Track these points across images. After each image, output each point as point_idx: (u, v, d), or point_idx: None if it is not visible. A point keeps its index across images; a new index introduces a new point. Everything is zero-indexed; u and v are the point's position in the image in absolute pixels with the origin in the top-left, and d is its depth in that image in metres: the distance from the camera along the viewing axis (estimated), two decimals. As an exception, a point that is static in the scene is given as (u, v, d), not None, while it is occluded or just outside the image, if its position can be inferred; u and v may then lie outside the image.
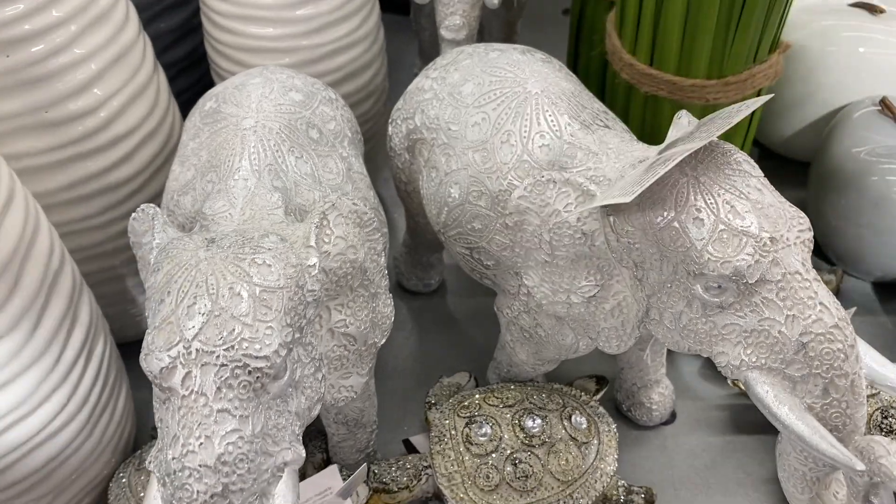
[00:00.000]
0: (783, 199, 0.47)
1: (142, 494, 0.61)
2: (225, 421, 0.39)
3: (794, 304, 0.44)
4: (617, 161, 0.51)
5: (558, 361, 0.64)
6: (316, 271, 0.45)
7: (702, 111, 0.71)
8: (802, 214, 0.46)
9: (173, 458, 0.39)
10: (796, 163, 0.91)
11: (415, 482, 0.63)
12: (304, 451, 0.44)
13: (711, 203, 0.44)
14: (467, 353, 0.78)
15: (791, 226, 0.45)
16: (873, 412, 0.63)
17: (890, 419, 0.62)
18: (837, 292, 0.80)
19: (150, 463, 0.41)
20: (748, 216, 0.44)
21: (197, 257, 0.43)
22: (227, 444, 0.39)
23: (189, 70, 0.85)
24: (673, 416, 0.72)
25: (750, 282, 0.44)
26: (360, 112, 0.79)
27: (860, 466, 0.44)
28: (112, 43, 0.62)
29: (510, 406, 0.64)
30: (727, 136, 0.74)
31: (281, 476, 0.42)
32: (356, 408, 0.61)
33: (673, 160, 0.43)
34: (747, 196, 0.45)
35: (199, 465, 0.39)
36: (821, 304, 0.44)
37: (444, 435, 0.63)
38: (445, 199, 0.60)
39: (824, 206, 0.80)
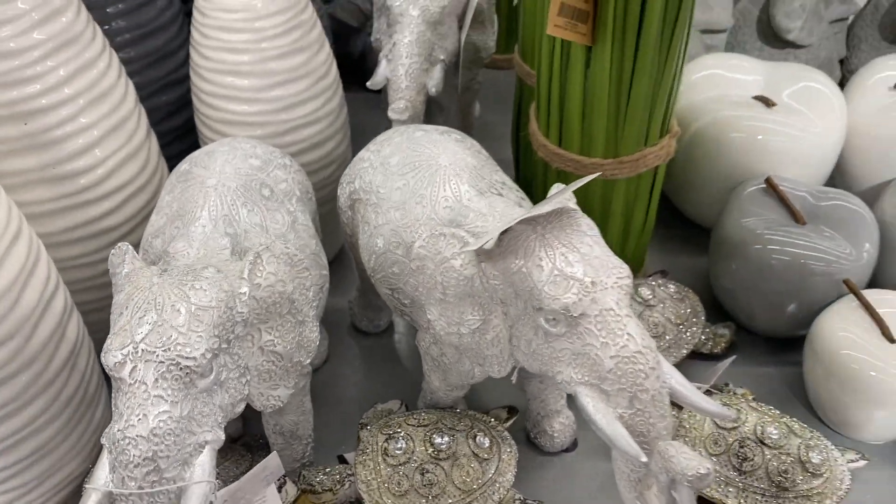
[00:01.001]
0: (610, 254, 0.58)
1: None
2: (159, 404, 0.50)
3: (607, 333, 0.55)
4: (499, 221, 0.63)
5: (465, 387, 0.74)
6: (246, 298, 0.57)
7: (602, 185, 0.83)
8: (623, 265, 0.57)
9: (118, 430, 0.50)
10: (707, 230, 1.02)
11: (338, 486, 0.73)
12: (223, 435, 0.54)
13: (550, 254, 0.55)
14: (406, 386, 0.88)
15: (610, 273, 0.56)
16: (732, 442, 0.73)
17: (745, 449, 0.72)
18: (732, 344, 0.90)
19: (103, 437, 0.52)
20: (577, 265, 0.55)
21: (151, 282, 0.54)
22: (159, 420, 0.50)
23: (184, 137, 0.98)
24: (574, 444, 0.81)
25: (574, 315, 0.54)
26: (322, 177, 0.91)
27: (643, 458, 0.53)
28: (112, 114, 0.75)
29: (425, 426, 0.74)
30: (629, 204, 0.86)
31: (202, 451, 0.53)
32: (291, 420, 0.71)
33: (517, 219, 0.54)
34: (579, 250, 0.56)
35: (136, 436, 0.50)
36: (628, 334, 0.55)
37: (367, 448, 0.73)
38: (373, 248, 0.71)
39: (719, 269, 0.91)
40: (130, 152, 0.77)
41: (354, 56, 1.29)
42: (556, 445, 0.80)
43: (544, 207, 0.56)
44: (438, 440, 0.73)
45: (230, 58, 0.82)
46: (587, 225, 0.58)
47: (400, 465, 0.72)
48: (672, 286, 0.89)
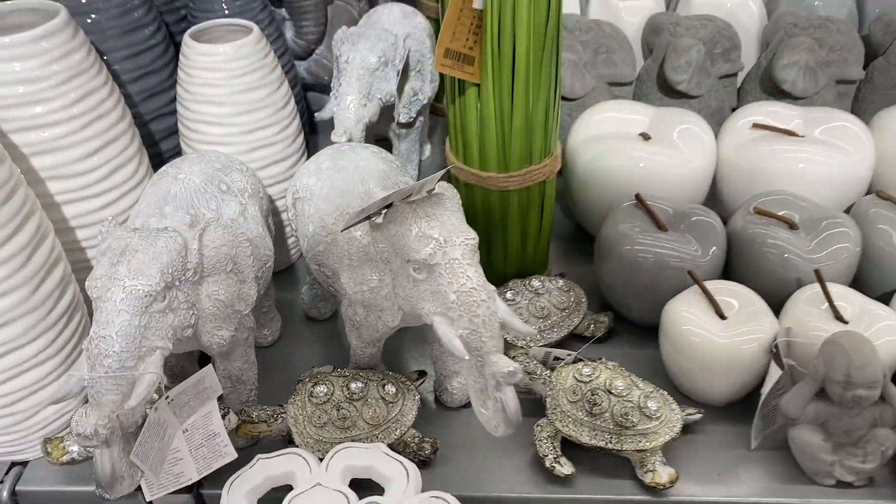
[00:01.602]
0: (463, 222, 0.76)
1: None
2: (122, 315, 0.69)
3: (453, 276, 0.73)
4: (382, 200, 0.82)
5: (377, 343, 0.92)
6: (195, 252, 0.75)
7: (499, 195, 1.02)
8: (470, 230, 0.75)
9: (93, 332, 0.68)
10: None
11: (272, 420, 0.90)
12: (171, 345, 0.73)
13: (417, 221, 0.74)
14: (343, 360, 1.05)
15: (459, 234, 0.74)
16: (586, 391, 0.89)
17: (595, 396, 0.88)
18: (611, 330, 1.08)
19: (83, 342, 0.71)
20: (435, 228, 0.74)
21: (127, 237, 0.73)
22: (121, 325, 0.68)
23: (174, 157, 1.19)
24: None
25: (430, 263, 0.73)
26: (281, 188, 1.10)
27: (466, 356, 0.71)
28: (110, 130, 0.94)
29: (345, 377, 0.92)
30: (523, 212, 1.04)
31: (153, 354, 0.71)
32: (237, 367, 0.89)
33: (382, 198, 0.74)
34: (438, 218, 0.74)
35: (105, 335, 0.68)
36: (467, 276, 0.73)
37: (298, 393, 0.91)
38: (306, 233, 0.91)
39: (601, 268, 1.09)
40: (123, 161, 0.97)
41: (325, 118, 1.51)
42: (455, 401, 0.97)
43: (407, 188, 0.76)
44: (353, 385, 0.90)
45: (207, 91, 1.03)
46: (450, 202, 0.77)
47: (321, 404, 0.89)
48: (561, 281, 1.07)
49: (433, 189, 0.78)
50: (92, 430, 0.66)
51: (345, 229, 0.78)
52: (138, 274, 0.70)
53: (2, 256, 0.78)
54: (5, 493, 0.90)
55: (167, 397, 0.75)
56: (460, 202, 0.80)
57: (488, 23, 0.87)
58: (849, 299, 0.95)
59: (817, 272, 0.94)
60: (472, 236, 0.75)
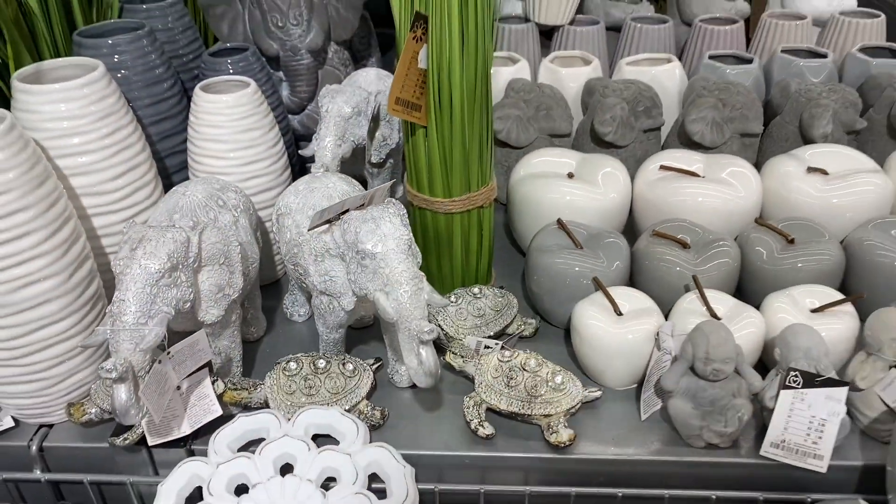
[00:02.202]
0: (401, 226, 0.97)
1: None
2: (137, 284, 0.89)
3: (387, 263, 0.94)
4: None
5: (339, 328, 1.12)
6: (194, 246, 0.97)
7: (444, 217, 1.24)
8: (405, 231, 0.96)
9: (116, 297, 0.89)
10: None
11: (252, 388, 1.09)
12: (172, 311, 0.93)
13: (366, 222, 0.96)
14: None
15: (394, 231, 0.95)
16: (506, 369, 1.09)
17: (512, 372, 1.08)
18: (537, 330, 1.28)
19: (108, 308, 0.91)
20: (377, 228, 0.95)
21: (143, 230, 0.95)
22: (136, 292, 0.89)
23: (182, 188, 1.42)
24: (417, 383, 1.18)
25: (373, 252, 0.94)
26: (269, 212, 1.33)
27: (394, 319, 0.92)
28: (133, 159, 1.17)
29: (313, 356, 1.12)
30: (465, 232, 1.26)
31: (159, 315, 0.91)
32: (225, 345, 1.10)
33: (339, 203, 0.95)
34: (379, 220, 0.96)
35: (124, 298, 0.89)
36: (398, 261, 0.94)
37: (275, 369, 1.11)
38: (285, 240, 1.12)
39: (529, 280, 1.30)
40: (141, 185, 1.20)
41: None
42: (404, 382, 1.17)
43: (359, 196, 0.97)
44: (319, 362, 1.10)
45: (212, 131, 1.26)
46: (391, 210, 0.99)
47: (292, 376, 1.09)
48: (497, 289, 1.28)
49: (382, 201, 1.00)
50: (111, 366, 0.86)
51: (311, 228, 1.00)
52: (151, 256, 0.91)
53: (46, 248, 1.00)
54: (34, 448, 1.09)
55: (168, 352, 0.95)
56: (403, 213, 1.01)
57: (430, 79, 1.11)
58: (723, 301, 1.16)
59: (695, 277, 1.16)
60: (405, 235, 0.96)
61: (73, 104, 1.11)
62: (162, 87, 1.36)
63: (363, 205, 0.99)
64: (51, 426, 1.12)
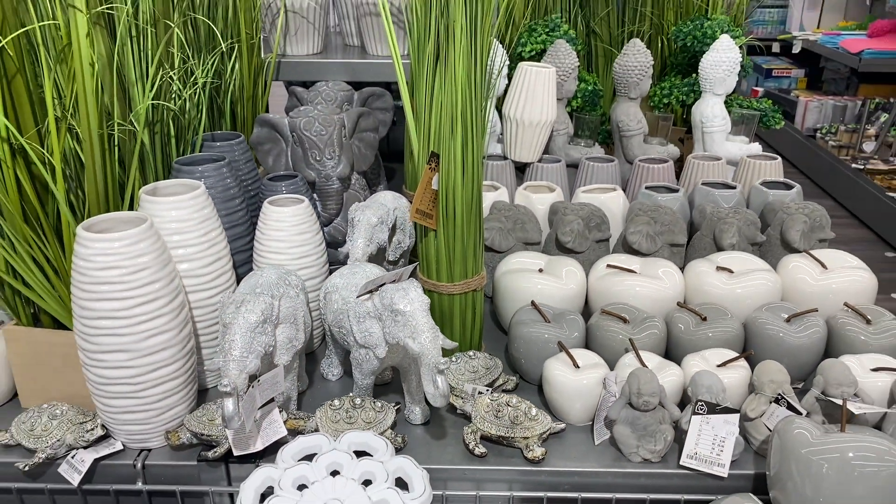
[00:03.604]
0: (422, 293, 1.35)
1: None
2: (241, 329, 1.24)
3: (414, 318, 1.30)
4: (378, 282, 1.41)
5: (371, 374, 1.46)
6: (275, 308, 1.33)
7: (448, 298, 1.61)
8: (426, 298, 1.34)
9: (225, 339, 1.24)
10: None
11: (308, 419, 1.42)
12: (263, 350, 1.27)
13: (397, 290, 1.33)
14: (347, 402, 1.59)
15: (418, 297, 1.32)
16: (495, 406, 1.43)
17: (500, 408, 1.42)
18: (517, 385, 1.63)
19: (218, 347, 1.26)
20: (406, 294, 1.32)
21: (243, 296, 1.31)
22: (241, 334, 1.24)
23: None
24: (428, 420, 1.51)
25: (404, 311, 1.30)
26: (314, 294, 1.69)
27: (419, 353, 1.27)
28: (218, 253, 1.55)
29: (351, 397, 1.45)
30: (463, 310, 1.63)
31: (254, 352, 1.25)
32: (287, 387, 1.43)
33: (378, 277, 1.33)
34: (407, 289, 1.33)
35: (232, 339, 1.23)
36: (422, 317, 1.30)
37: (322, 406, 1.44)
38: (332, 309, 1.49)
39: (509, 347, 1.66)
40: (222, 272, 1.56)
41: (340, 257, 2.14)
42: (418, 420, 1.50)
43: (392, 273, 1.35)
44: (356, 400, 1.44)
45: (276, 234, 1.65)
46: (416, 283, 1.36)
47: (337, 410, 1.42)
48: (486, 354, 1.63)
49: (408, 277, 1.38)
50: (227, 383, 1.20)
51: (359, 296, 1.37)
52: (251, 311, 1.27)
53: (166, 310, 1.35)
54: (139, 465, 1.39)
55: (258, 380, 1.29)
56: (421, 287, 1.38)
57: (440, 197, 1.52)
58: (652, 359, 1.53)
59: (631, 341, 1.53)
60: (426, 300, 1.33)
61: (182, 212, 1.50)
62: (235, 203, 1.76)
63: (394, 280, 1.37)
64: (149, 450, 1.43)
